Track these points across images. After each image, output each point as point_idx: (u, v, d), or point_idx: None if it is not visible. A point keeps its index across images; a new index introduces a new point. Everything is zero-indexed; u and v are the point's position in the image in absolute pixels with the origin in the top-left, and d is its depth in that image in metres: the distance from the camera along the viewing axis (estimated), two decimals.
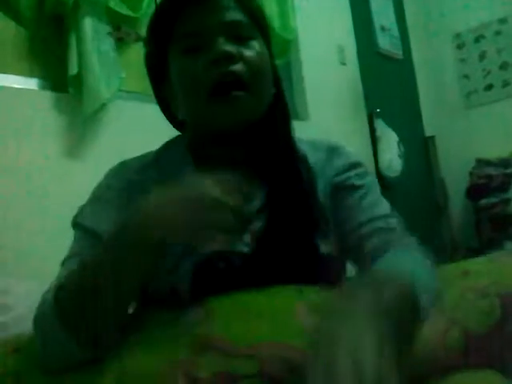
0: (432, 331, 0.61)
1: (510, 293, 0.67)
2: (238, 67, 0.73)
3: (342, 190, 0.79)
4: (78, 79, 1.71)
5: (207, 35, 0.74)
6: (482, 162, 3.57)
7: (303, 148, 0.82)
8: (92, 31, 1.75)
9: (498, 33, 3.76)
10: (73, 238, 0.76)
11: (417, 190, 3.61)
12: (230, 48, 0.73)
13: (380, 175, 3.20)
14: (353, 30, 3.34)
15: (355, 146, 3.13)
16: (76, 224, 0.76)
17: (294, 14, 2.75)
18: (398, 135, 3.28)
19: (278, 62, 2.64)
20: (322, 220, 0.77)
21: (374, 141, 3.25)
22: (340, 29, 3.23)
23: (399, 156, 3.23)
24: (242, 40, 0.76)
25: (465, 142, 3.80)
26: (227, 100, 0.73)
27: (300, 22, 2.80)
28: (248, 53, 0.75)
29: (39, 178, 1.60)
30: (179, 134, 0.87)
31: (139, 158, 0.83)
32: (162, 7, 0.79)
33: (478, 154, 3.63)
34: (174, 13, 0.76)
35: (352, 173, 0.81)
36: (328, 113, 2.96)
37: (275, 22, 2.61)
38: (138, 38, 1.77)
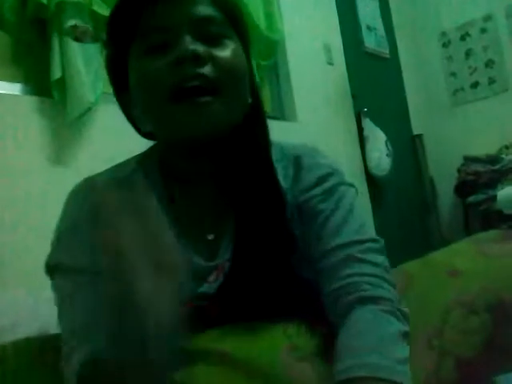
0: (424, 366, 0.60)
1: (500, 301, 0.65)
2: (207, 69, 0.64)
3: (306, 211, 0.71)
4: (62, 83, 1.69)
5: (173, 32, 0.65)
6: (469, 159, 3.59)
7: (274, 158, 0.73)
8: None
9: (483, 30, 3.79)
10: (54, 281, 0.67)
11: (405, 188, 3.62)
12: (197, 47, 0.64)
13: (368, 174, 3.21)
14: (339, 29, 3.34)
15: (343, 146, 3.14)
16: (54, 267, 0.67)
17: (281, 15, 2.75)
18: (386, 134, 3.29)
19: (264, 63, 2.65)
20: (293, 245, 0.70)
21: (362, 140, 3.26)
22: (326, 29, 3.22)
23: (387, 155, 3.24)
24: (213, 39, 0.66)
25: (452, 139, 3.82)
26: (191, 106, 0.63)
27: (286, 22, 2.79)
28: (219, 53, 0.66)
29: (23, 183, 1.58)
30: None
31: (114, 170, 0.75)
32: (124, 1, 0.68)
33: (466, 151, 3.65)
34: (136, 7, 0.66)
35: (316, 191, 0.72)
36: (316, 113, 2.95)
37: (261, 23, 2.60)
38: (97, 38, 1.70)
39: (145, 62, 0.65)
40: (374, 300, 0.63)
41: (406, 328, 0.62)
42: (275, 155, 0.74)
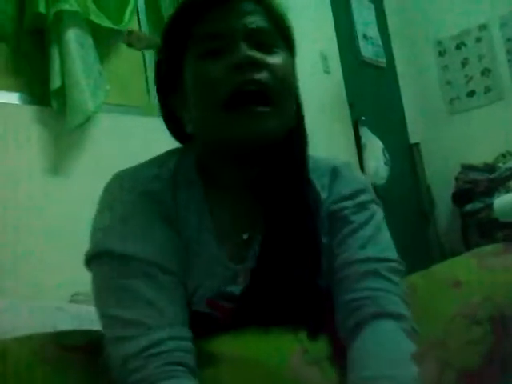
0: (425, 377, 0.60)
1: (501, 313, 0.66)
2: (263, 76, 0.66)
3: (336, 220, 0.73)
4: (62, 93, 1.69)
5: (229, 38, 0.67)
6: (466, 168, 3.60)
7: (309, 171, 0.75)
8: (75, 43, 1.73)
9: (478, 39, 3.82)
10: (99, 271, 0.67)
11: (403, 197, 3.63)
12: (254, 53, 0.66)
13: None
14: (336, 38, 3.36)
15: (341, 154, 3.14)
16: (103, 253, 0.66)
17: None
18: (384, 143, 3.29)
19: None
20: (320, 257, 0.71)
21: (360, 148, 3.27)
22: (323, 37, 3.24)
23: (385, 163, 3.24)
24: (266, 48, 0.68)
25: (449, 147, 3.84)
26: (249, 114, 0.65)
27: None
28: (273, 61, 0.68)
29: (22, 193, 1.58)
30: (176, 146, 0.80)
31: (148, 166, 0.75)
32: (181, 9, 0.71)
33: (463, 159, 3.67)
34: (193, 14, 0.69)
35: (349, 203, 0.73)
36: (313, 121, 2.94)
37: None
38: (148, 45, 1.70)
39: (202, 65, 0.67)
40: (396, 317, 0.65)
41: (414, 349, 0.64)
42: (311, 167, 0.75)
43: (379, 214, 0.76)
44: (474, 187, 3.45)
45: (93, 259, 0.68)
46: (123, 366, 0.60)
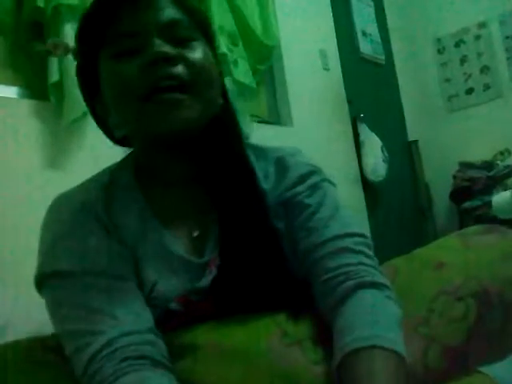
0: (410, 353, 0.61)
1: (484, 289, 0.67)
2: (179, 69, 0.65)
3: (291, 207, 0.74)
4: (59, 87, 1.68)
5: (143, 36, 0.66)
6: (465, 165, 3.61)
7: (253, 159, 0.76)
8: (73, 37, 1.72)
9: (477, 37, 3.82)
10: (49, 292, 0.67)
11: (401, 194, 3.63)
12: (168, 49, 0.65)
13: (364, 180, 3.22)
14: (335, 35, 3.35)
15: (339, 151, 3.14)
16: (51, 274, 0.67)
17: (276, 21, 2.76)
18: (382, 140, 3.30)
19: (260, 67, 2.66)
20: (276, 238, 0.71)
21: (358, 145, 3.27)
22: (322, 34, 3.24)
23: (383, 160, 3.25)
24: (182, 42, 0.68)
25: (448, 145, 3.84)
26: (165, 102, 0.64)
27: (282, 28, 2.80)
28: (190, 54, 0.67)
29: (20, 187, 1.57)
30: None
31: (83, 184, 0.76)
32: (92, 9, 0.69)
33: (461, 157, 3.67)
34: (105, 14, 0.67)
35: (301, 187, 0.74)
36: (311, 118, 2.96)
37: (257, 28, 2.61)
38: (67, 51, 1.69)
39: (116, 66, 0.66)
40: (376, 286, 0.66)
41: (401, 313, 0.65)
42: (253, 156, 0.76)
43: (332, 191, 0.76)
44: (472, 185, 3.46)
45: (39, 283, 0.68)
46: (84, 375, 0.60)
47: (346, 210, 0.75)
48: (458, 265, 0.70)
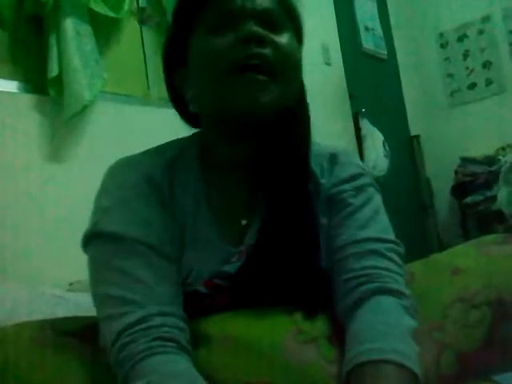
0: (424, 358, 0.60)
1: (500, 298, 0.66)
2: (268, 51, 0.67)
3: (335, 203, 0.74)
4: (59, 81, 1.68)
5: (238, 15, 0.69)
6: (466, 160, 3.60)
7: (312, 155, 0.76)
8: (73, 32, 1.71)
9: (480, 32, 3.80)
10: (96, 251, 0.68)
11: (403, 189, 3.62)
12: (260, 30, 0.68)
13: None
14: (337, 30, 3.34)
15: (340, 145, 3.11)
16: (101, 234, 0.67)
17: None
18: (384, 134, 3.29)
19: None
20: (317, 239, 0.72)
21: (360, 140, 3.26)
22: (324, 29, 3.22)
23: (385, 155, 3.24)
24: (273, 28, 0.70)
25: (450, 140, 3.83)
26: (250, 81, 0.66)
27: None
28: (279, 39, 0.69)
29: (21, 181, 1.57)
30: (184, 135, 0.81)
31: (149, 154, 0.77)
32: None
33: (463, 152, 3.66)
34: None
35: (347, 186, 0.75)
36: (313, 113, 2.93)
37: None
38: (160, 24, 1.69)
39: (209, 39, 0.69)
40: (396, 293, 0.65)
41: (416, 326, 0.64)
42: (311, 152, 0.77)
43: (377, 197, 0.77)
44: (474, 180, 3.45)
45: (90, 239, 0.69)
46: (113, 344, 0.61)
47: (385, 217, 0.75)
48: (474, 272, 0.70)
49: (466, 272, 0.70)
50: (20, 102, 1.66)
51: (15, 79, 1.69)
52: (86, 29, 1.79)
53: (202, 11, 0.71)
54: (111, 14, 1.89)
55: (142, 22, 1.69)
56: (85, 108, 1.73)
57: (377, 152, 3.21)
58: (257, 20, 0.69)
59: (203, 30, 0.70)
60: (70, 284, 1.48)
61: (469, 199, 3.45)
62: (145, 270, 0.64)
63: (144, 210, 0.69)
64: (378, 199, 0.77)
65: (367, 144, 3.23)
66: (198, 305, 0.71)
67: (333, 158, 0.78)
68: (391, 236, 0.72)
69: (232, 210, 0.75)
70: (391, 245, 0.70)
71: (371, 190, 0.77)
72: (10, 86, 1.67)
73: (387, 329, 0.60)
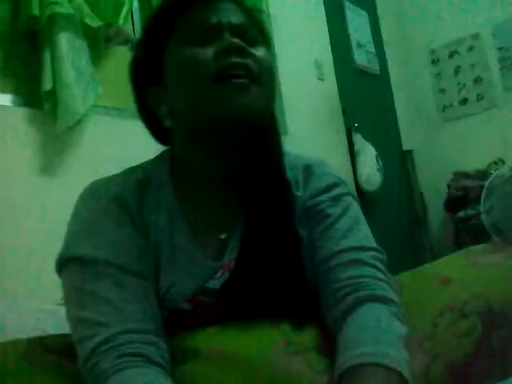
0: (413, 367, 0.60)
1: (489, 307, 0.67)
2: (249, 61, 0.70)
3: (313, 215, 0.75)
4: (53, 95, 1.68)
5: (216, 30, 0.71)
6: (459, 175, 3.62)
7: (286, 167, 0.77)
8: (67, 46, 1.73)
9: (471, 48, 3.85)
10: (68, 276, 0.69)
11: (396, 203, 3.63)
12: (240, 42, 0.70)
13: (359, 189, 3.22)
14: (330, 46, 3.37)
15: (334, 161, 3.12)
16: (72, 258, 0.68)
17: (271, 30, 2.77)
18: (377, 149, 3.31)
19: None
20: (298, 248, 0.72)
21: (353, 155, 3.27)
22: (317, 45, 3.26)
23: (378, 170, 3.25)
24: (250, 42, 0.72)
25: (442, 155, 3.85)
26: (235, 86, 0.68)
27: (277, 38, 2.81)
28: (256, 52, 0.72)
29: (14, 194, 1.57)
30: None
31: (119, 175, 0.77)
32: (167, 3, 0.75)
33: (455, 166, 3.68)
34: (178, 8, 0.73)
35: (325, 197, 0.75)
36: (306, 127, 2.97)
37: None
38: (127, 41, 1.71)
39: (190, 50, 0.70)
40: (384, 300, 0.66)
41: (407, 332, 0.64)
42: (286, 164, 0.78)
43: (355, 205, 0.77)
44: (467, 194, 3.46)
45: (61, 265, 0.70)
46: (85, 365, 0.61)
47: (365, 225, 0.76)
48: (463, 281, 0.70)
49: (454, 281, 0.71)
50: (14, 115, 1.66)
51: (9, 93, 1.69)
52: (81, 43, 1.80)
53: (175, 28, 0.73)
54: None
55: (107, 41, 1.69)
56: (78, 122, 1.74)
57: (370, 166, 3.23)
58: (233, 34, 0.71)
59: (180, 43, 0.71)
60: (61, 299, 1.46)
61: (462, 213, 3.46)
62: (114, 291, 0.65)
63: (113, 232, 0.69)
64: (356, 208, 0.77)
65: (360, 159, 3.24)
66: (180, 321, 0.70)
67: (307, 170, 0.78)
68: (373, 244, 0.73)
69: (209, 224, 0.75)
70: (374, 252, 0.71)
71: (349, 199, 0.77)
72: (4, 99, 1.68)
73: (378, 334, 0.61)
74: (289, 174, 0.76)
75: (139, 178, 0.75)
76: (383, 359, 0.57)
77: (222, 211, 0.75)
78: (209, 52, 0.69)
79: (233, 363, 0.62)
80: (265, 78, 0.71)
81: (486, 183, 0.97)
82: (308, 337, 0.66)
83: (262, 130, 0.73)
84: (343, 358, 0.59)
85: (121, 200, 0.71)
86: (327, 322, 0.68)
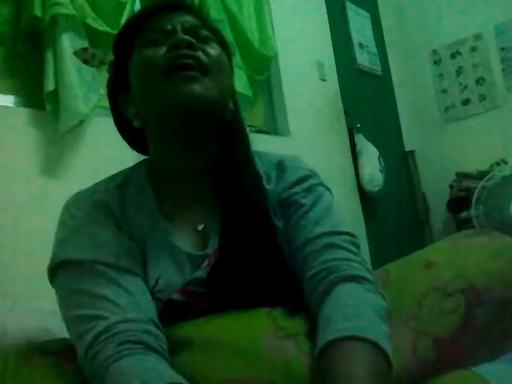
0: (402, 346, 0.62)
1: (473, 286, 0.68)
2: (199, 54, 0.73)
3: (287, 207, 0.78)
4: (55, 96, 1.69)
5: (170, 32, 0.76)
6: (461, 175, 3.61)
7: (257, 163, 0.81)
8: (70, 47, 1.73)
9: (473, 48, 3.84)
10: (59, 280, 0.71)
11: (398, 204, 3.63)
12: (189, 37, 0.74)
13: (361, 190, 3.22)
14: (332, 46, 3.37)
15: (336, 161, 3.15)
16: (61, 263, 0.71)
17: (274, 32, 2.77)
18: (379, 150, 3.30)
19: (258, 78, 2.66)
20: (274, 235, 0.75)
21: (355, 156, 3.27)
22: (319, 45, 3.26)
23: (380, 170, 3.25)
24: (203, 40, 0.77)
25: (444, 155, 3.85)
26: (184, 77, 0.71)
27: (279, 39, 2.82)
28: (208, 47, 0.76)
29: (17, 195, 1.57)
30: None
31: (99, 183, 0.81)
32: (127, 22, 0.82)
33: (458, 167, 3.68)
34: (138, 22, 0.79)
35: (297, 188, 0.79)
36: (308, 128, 2.97)
37: (255, 40, 2.62)
38: (103, 61, 1.74)
39: (144, 51, 0.75)
40: (358, 279, 0.68)
41: (387, 306, 0.66)
42: (258, 160, 0.82)
43: (327, 194, 0.81)
44: (469, 195, 3.46)
45: (52, 272, 0.72)
46: (85, 357, 0.63)
47: (339, 213, 0.79)
48: (446, 263, 0.72)
49: (438, 264, 0.72)
50: (16, 116, 1.66)
51: (11, 93, 1.70)
52: (83, 44, 1.80)
53: (137, 38, 0.78)
54: (108, 30, 1.90)
55: (85, 62, 1.72)
56: (81, 122, 1.74)
57: (372, 167, 3.22)
58: (185, 33, 0.75)
59: (139, 46, 0.77)
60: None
61: (464, 214, 3.45)
62: (105, 287, 0.67)
63: (98, 234, 0.72)
64: (328, 196, 0.80)
65: (362, 159, 3.24)
66: (174, 312, 0.72)
67: (280, 165, 0.82)
68: (345, 228, 0.75)
69: (185, 217, 0.78)
70: (346, 236, 0.74)
71: (320, 189, 0.80)
72: (6, 100, 1.68)
73: (351, 310, 0.62)
74: (261, 170, 0.80)
75: (119, 183, 0.79)
76: (355, 331, 0.59)
77: (198, 204, 0.79)
78: (161, 50, 0.74)
79: (225, 349, 0.63)
80: (216, 72, 0.74)
81: (477, 189, 0.98)
82: (298, 322, 0.68)
83: (224, 124, 0.78)
84: (320, 336, 0.61)
85: (103, 204, 0.75)
86: (310, 309, 0.70)
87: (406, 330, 0.65)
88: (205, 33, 0.78)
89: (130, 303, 0.67)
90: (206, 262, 0.74)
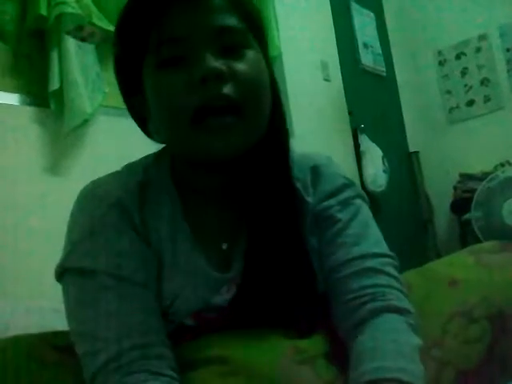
0: (425, 377, 0.59)
1: (500, 312, 0.66)
2: (230, 89, 0.61)
3: (322, 220, 0.71)
4: (60, 94, 1.69)
5: (190, 43, 0.61)
6: (465, 177, 3.60)
7: (294, 171, 0.72)
8: (75, 46, 1.73)
9: (478, 49, 3.83)
10: (68, 287, 0.66)
11: (402, 205, 3.62)
12: (219, 64, 0.60)
13: (365, 190, 3.21)
14: (336, 46, 3.37)
15: (340, 162, 3.10)
16: (72, 270, 0.65)
17: (278, 31, 2.77)
18: (383, 150, 3.30)
19: None
20: (309, 261, 0.69)
21: (359, 156, 3.26)
22: (323, 46, 3.25)
23: (384, 171, 3.25)
24: (233, 51, 0.63)
25: (448, 156, 3.84)
26: (215, 127, 0.61)
27: (284, 39, 2.81)
28: (241, 67, 0.62)
29: (21, 193, 1.57)
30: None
31: (119, 176, 0.73)
32: (137, 3, 0.65)
33: (462, 168, 3.67)
34: (148, 13, 0.62)
35: (333, 201, 0.72)
36: (312, 128, 2.96)
37: None
38: (105, 38, 1.71)
39: (161, 77, 0.62)
40: (400, 311, 0.63)
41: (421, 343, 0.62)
42: (293, 165, 0.72)
43: (365, 208, 0.74)
44: (473, 196, 3.45)
45: (61, 274, 0.66)
46: (93, 381, 0.60)
47: (376, 228, 0.73)
48: (472, 283, 0.69)
49: (463, 284, 0.69)
50: (21, 114, 1.67)
51: (16, 92, 1.70)
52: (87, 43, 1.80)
53: (151, 40, 0.63)
54: (113, 29, 1.91)
55: (83, 41, 1.70)
56: (85, 121, 1.74)
57: (376, 168, 3.22)
58: (212, 45, 0.61)
59: (153, 64, 0.63)
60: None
61: (468, 215, 3.44)
62: (115, 304, 0.62)
63: (113, 240, 0.65)
64: (366, 210, 0.74)
65: (366, 160, 3.23)
66: (183, 336, 0.68)
67: (315, 171, 0.74)
68: (385, 249, 0.70)
69: (210, 232, 0.71)
70: (387, 259, 0.69)
71: (358, 202, 0.74)
72: (11, 98, 1.68)
73: (397, 347, 0.59)
74: (297, 175, 0.72)
75: (140, 180, 0.70)
76: (403, 374, 0.55)
77: (223, 220, 0.72)
78: (181, 81, 0.61)
79: (242, 372, 0.60)
80: (253, 98, 0.63)
81: (476, 192, 0.96)
82: (318, 344, 0.64)
83: (260, 143, 0.67)
84: (361, 371, 0.57)
85: (120, 205, 0.67)
86: (339, 332, 0.66)
87: (429, 359, 0.62)
88: (236, 37, 0.63)
89: (139, 322, 0.62)
90: (226, 289, 0.68)
